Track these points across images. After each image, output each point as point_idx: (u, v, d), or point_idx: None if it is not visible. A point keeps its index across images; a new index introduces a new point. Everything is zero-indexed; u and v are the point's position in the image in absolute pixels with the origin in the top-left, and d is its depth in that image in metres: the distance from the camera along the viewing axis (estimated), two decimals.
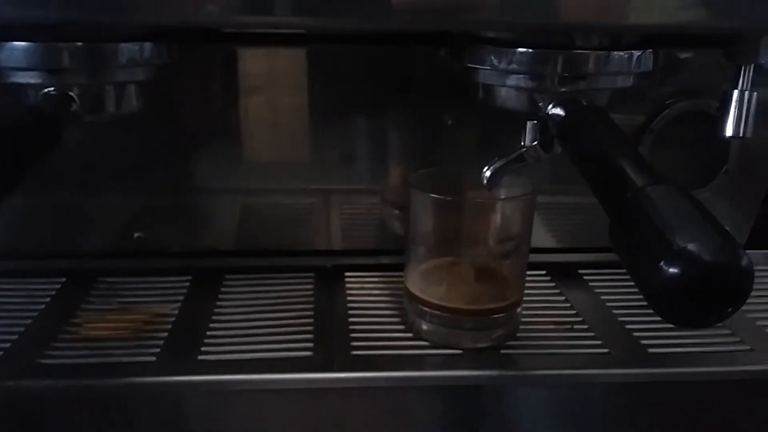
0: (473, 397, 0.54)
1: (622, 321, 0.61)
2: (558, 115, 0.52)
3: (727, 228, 0.75)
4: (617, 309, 0.63)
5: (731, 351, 0.58)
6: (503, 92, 0.55)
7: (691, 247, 0.35)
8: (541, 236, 0.72)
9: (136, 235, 0.68)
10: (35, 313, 0.60)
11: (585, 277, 0.70)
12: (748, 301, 0.66)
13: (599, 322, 0.61)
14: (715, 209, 0.72)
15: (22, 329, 0.58)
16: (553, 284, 0.68)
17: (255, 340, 0.57)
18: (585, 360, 0.56)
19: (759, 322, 0.62)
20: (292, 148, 0.68)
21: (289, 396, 0.52)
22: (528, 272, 0.67)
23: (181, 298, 0.64)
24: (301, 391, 0.52)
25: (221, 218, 0.69)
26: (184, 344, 0.56)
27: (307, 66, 0.65)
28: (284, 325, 0.59)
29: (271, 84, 0.66)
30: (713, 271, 0.35)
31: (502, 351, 0.57)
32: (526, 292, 0.62)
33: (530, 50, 0.52)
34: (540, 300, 0.65)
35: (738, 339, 0.59)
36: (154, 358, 0.54)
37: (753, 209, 0.72)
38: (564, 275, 0.70)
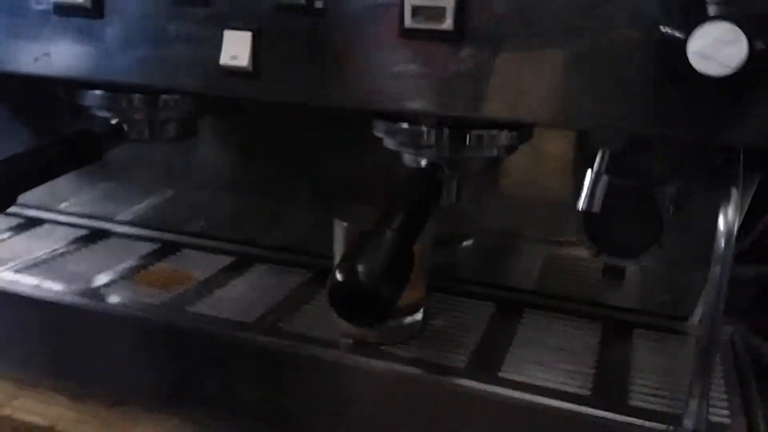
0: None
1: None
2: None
3: (667, 297, 0.80)
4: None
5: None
6: (401, 154, 0.72)
7: (344, 266, 0.51)
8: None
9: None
10: (118, 265, 0.89)
11: (525, 313, 0.82)
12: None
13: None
14: (657, 276, 0.79)
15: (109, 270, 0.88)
16: (493, 314, 0.82)
17: None
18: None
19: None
20: None
21: None
22: (474, 301, 0.83)
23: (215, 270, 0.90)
24: None
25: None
26: (188, 300, 0.81)
27: None
28: None
29: None
30: (345, 286, 0.51)
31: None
32: (456, 315, 0.78)
33: (409, 127, 0.67)
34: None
35: None
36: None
37: (698, 284, 0.77)
38: (510, 310, 0.82)
